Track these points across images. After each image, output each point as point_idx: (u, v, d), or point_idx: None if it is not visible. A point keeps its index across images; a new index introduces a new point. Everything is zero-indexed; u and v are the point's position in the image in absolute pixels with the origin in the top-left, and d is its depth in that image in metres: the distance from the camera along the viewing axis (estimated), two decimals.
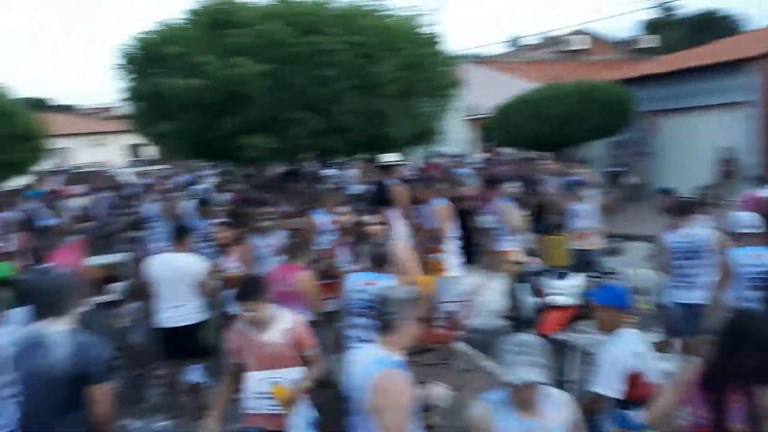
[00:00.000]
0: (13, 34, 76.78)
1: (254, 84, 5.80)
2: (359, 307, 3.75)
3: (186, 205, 9.58)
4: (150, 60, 6.58)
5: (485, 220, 9.52)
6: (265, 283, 2.87)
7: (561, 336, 4.09)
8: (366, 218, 4.95)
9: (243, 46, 5.93)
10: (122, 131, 36.64)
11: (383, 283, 3.56)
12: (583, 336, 4.10)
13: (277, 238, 4.92)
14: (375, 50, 6.27)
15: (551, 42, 24.89)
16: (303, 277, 4.20)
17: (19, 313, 2.82)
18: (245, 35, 5.95)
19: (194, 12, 6.81)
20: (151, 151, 35.37)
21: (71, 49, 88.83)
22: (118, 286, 8.30)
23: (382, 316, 2.21)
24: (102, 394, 2.52)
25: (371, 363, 2.13)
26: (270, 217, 5.25)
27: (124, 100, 7.82)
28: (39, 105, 36.05)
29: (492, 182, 6.27)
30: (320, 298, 4.18)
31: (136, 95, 7.19)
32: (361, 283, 3.76)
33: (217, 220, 7.77)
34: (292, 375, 2.70)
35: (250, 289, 2.76)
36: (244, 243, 4.94)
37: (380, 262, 3.75)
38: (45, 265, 5.10)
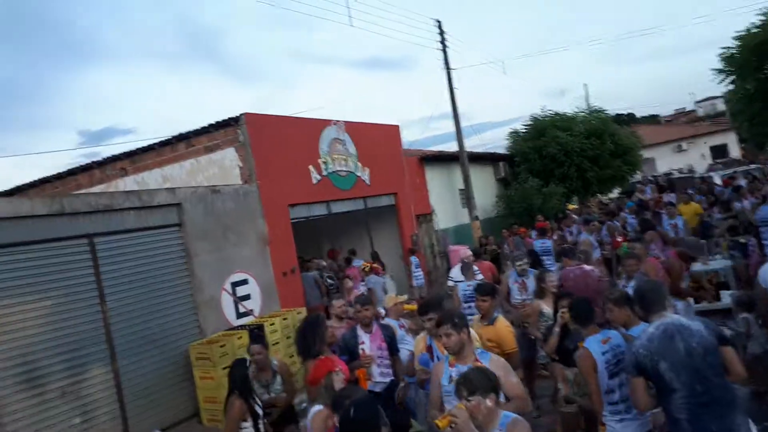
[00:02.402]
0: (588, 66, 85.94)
1: None
2: None
3: None
4: (758, 56, 6.18)
5: None
6: None
7: None
8: None
9: None
10: (704, 134, 35.79)
11: None
12: None
13: None
14: None
15: None
16: None
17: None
18: None
19: None
20: (735, 150, 33.01)
21: (647, 65, 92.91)
22: (729, 293, 8.09)
23: None
24: (731, 354, 3.17)
25: None
26: None
27: (724, 102, 7.59)
28: (629, 120, 39.09)
29: None
30: None
31: (741, 96, 6.86)
32: None
33: None
34: None
35: None
36: None
37: None
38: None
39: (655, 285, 3.51)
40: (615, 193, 22.35)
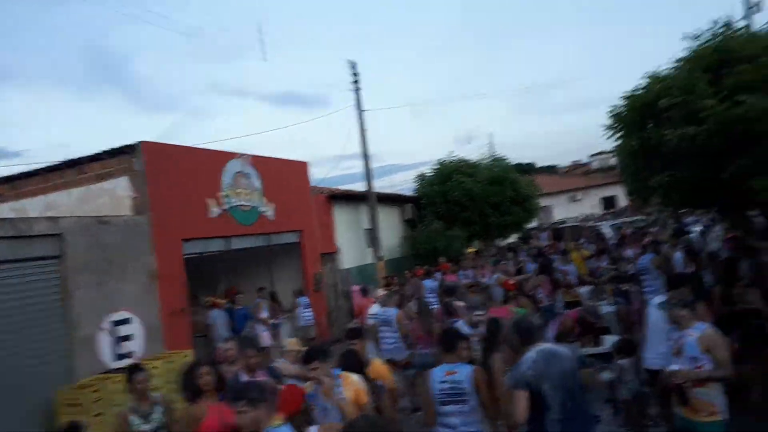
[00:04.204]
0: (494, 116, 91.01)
1: (765, 119, 5.18)
2: None
3: (676, 256, 9.18)
4: (642, 115, 6.70)
5: None
6: None
7: None
8: None
9: (748, 82, 5.41)
10: (597, 185, 38.37)
11: None
12: None
13: None
14: None
15: None
16: None
17: None
18: (749, 71, 5.43)
19: (685, 60, 6.64)
20: (623, 202, 35.66)
21: (549, 118, 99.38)
22: (609, 338, 8.47)
23: None
24: (587, 374, 3.72)
25: None
26: None
27: (614, 156, 8.19)
28: (529, 169, 41.29)
29: None
30: None
31: (626, 152, 7.39)
32: None
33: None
34: None
35: None
36: None
37: None
38: None
39: (531, 321, 4.05)
40: (513, 238, 23.29)
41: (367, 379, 4.44)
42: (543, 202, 27.85)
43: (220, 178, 10.94)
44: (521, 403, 3.50)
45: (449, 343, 4.21)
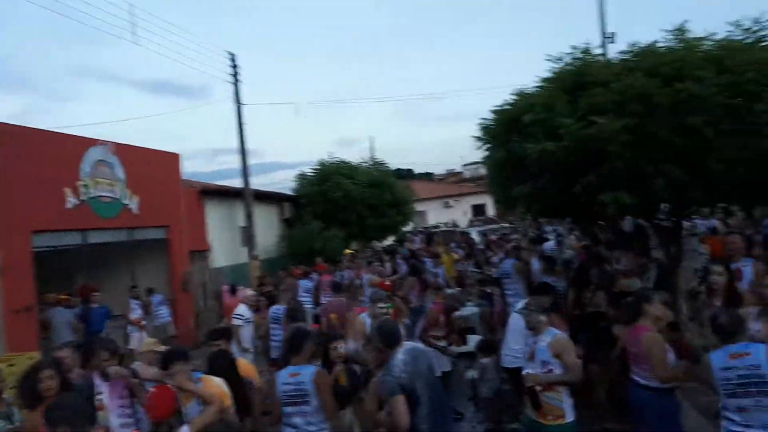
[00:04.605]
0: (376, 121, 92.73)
1: (613, 140, 5.72)
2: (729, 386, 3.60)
3: (533, 263, 9.89)
4: (508, 129, 7.12)
5: None
6: None
7: None
8: None
9: (601, 104, 5.95)
10: (468, 193, 40.29)
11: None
12: None
13: None
14: (753, 87, 5.54)
15: None
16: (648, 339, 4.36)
17: None
18: (603, 94, 5.97)
19: (548, 80, 7.16)
20: (492, 210, 37.88)
21: (429, 127, 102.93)
22: (474, 338, 8.93)
23: None
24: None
25: None
26: None
27: (483, 167, 8.65)
28: (407, 175, 42.43)
29: None
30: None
31: (493, 163, 7.81)
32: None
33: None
34: None
35: None
36: None
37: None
38: None
39: (393, 324, 4.08)
40: (389, 240, 23.83)
41: (237, 379, 4.32)
42: (418, 206, 28.78)
43: (78, 165, 10.09)
44: (401, 407, 3.50)
45: (295, 344, 4.25)
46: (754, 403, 3.45)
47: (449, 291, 10.57)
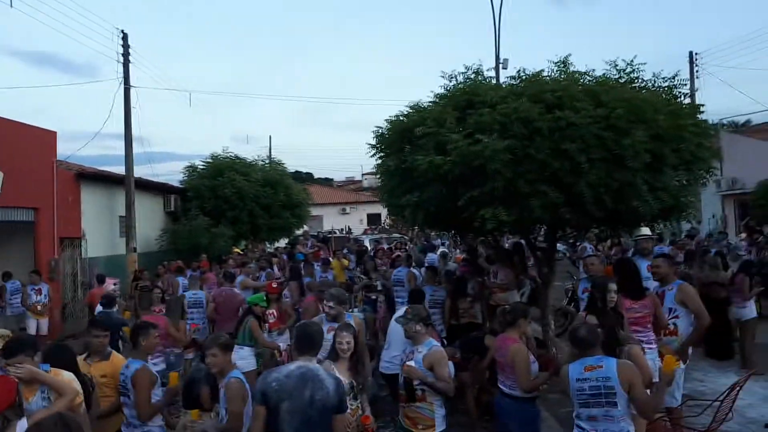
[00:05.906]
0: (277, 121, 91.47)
1: (496, 159, 5.98)
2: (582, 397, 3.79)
3: (420, 272, 10.15)
4: (401, 140, 7.25)
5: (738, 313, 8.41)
6: None
7: None
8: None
9: (487, 124, 6.20)
10: (365, 202, 40.65)
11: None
12: None
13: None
14: (623, 122, 6.04)
15: None
16: (513, 350, 4.58)
17: None
18: (489, 114, 6.24)
19: (441, 96, 7.39)
20: (387, 220, 38.49)
21: (330, 133, 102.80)
22: None
23: None
24: (341, 425, 3.40)
25: None
26: None
27: (376, 175, 8.76)
28: (307, 178, 42.07)
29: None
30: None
31: (384, 171, 7.92)
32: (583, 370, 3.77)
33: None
34: None
35: None
36: None
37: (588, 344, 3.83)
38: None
39: (317, 329, 3.81)
40: (282, 242, 23.45)
41: (79, 375, 4.00)
42: (315, 211, 28.60)
43: None
44: (259, 419, 3.25)
45: (133, 338, 4.53)
46: (603, 413, 3.70)
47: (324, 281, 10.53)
